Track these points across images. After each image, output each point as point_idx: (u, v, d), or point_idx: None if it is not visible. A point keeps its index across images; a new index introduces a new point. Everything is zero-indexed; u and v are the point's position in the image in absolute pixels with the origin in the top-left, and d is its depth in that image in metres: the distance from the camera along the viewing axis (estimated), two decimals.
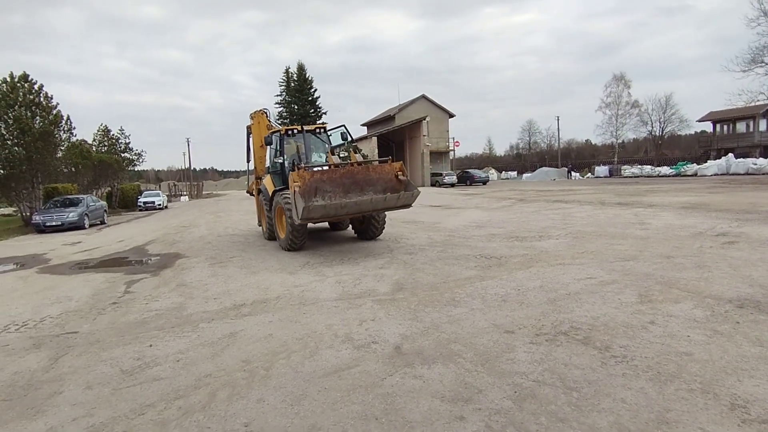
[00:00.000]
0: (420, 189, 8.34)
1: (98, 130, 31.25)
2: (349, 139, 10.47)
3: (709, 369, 2.91)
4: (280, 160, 9.68)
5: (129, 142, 32.17)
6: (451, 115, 46.52)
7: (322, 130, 10.31)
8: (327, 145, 10.30)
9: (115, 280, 7.10)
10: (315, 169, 7.74)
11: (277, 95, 52.19)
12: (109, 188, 29.46)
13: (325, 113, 51.33)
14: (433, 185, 38.00)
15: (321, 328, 4.12)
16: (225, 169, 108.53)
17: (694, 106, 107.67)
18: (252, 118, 11.73)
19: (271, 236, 10.04)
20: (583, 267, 5.88)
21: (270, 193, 9.76)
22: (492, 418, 2.50)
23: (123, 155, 31.34)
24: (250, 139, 11.90)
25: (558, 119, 61.41)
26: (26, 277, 7.88)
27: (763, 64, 29.99)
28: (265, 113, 11.71)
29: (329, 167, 7.80)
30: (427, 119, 38.95)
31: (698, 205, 12.36)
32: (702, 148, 43.18)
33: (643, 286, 4.87)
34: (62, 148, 21.38)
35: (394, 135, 42.02)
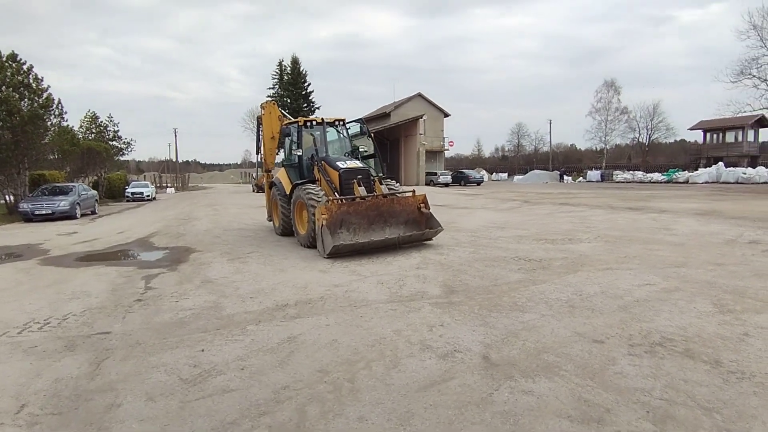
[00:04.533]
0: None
1: (85, 117, 30.13)
2: (367, 132, 10.19)
3: None
4: (299, 153, 9.26)
5: (118, 130, 31.12)
6: (446, 115, 46.36)
7: (341, 123, 9.96)
8: (345, 139, 9.96)
9: (129, 274, 6.62)
10: (342, 199, 7.56)
11: (270, 88, 51.24)
12: (96, 177, 28.41)
13: (318, 108, 50.63)
14: (427, 184, 37.79)
15: (389, 334, 3.79)
16: (208, 162, 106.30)
17: (677, 115, 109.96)
18: (263, 108, 11.25)
19: (285, 232, 9.64)
20: (635, 272, 5.66)
21: (286, 188, 9.36)
22: None
23: (111, 143, 30.25)
24: (260, 131, 11.40)
25: (550, 123, 61.52)
26: (28, 269, 7.31)
27: (751, 77, 30.79)
28: (275, 103, 11.28)
29: (355, 199, 7.66)
30: (425, 117, 38.72)
31: (710, 212, 12.37)
32: (691, 156, 44.02)
33: (711, 294, 4.66)
34: (51, 132, 20.36)
35: (390, 133, 41.61)
